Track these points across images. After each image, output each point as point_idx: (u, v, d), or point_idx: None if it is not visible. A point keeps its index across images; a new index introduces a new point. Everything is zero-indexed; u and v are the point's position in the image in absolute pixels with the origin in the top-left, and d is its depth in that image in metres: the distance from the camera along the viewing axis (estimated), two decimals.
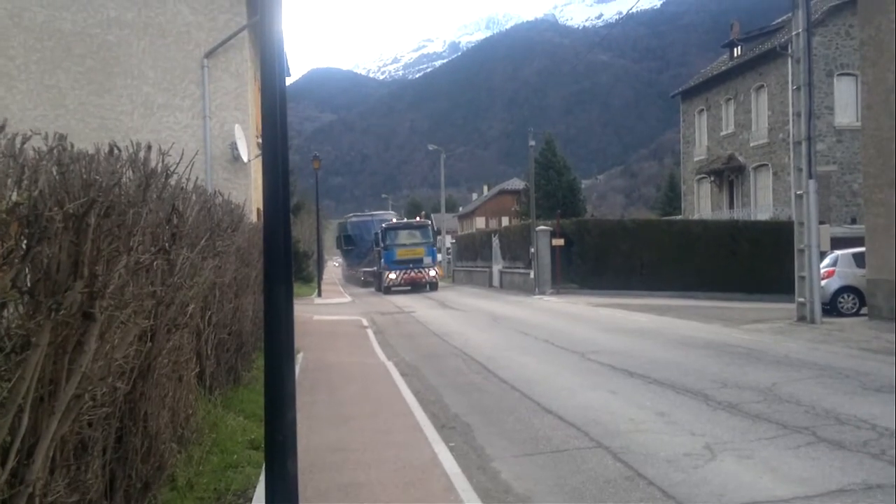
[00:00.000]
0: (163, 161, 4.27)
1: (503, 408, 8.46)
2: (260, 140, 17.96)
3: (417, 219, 44.70)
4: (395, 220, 42.14)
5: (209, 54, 15.80)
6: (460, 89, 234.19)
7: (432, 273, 35.72)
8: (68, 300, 2.92)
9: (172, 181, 4.59)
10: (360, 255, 48.40)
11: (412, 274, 35.06)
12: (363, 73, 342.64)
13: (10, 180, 2.64)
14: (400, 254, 35.11)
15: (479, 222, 78.35)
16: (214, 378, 7.59)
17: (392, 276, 35.06)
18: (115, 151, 3.77)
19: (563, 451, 6.58)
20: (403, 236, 36.23)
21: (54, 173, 2.97)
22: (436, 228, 40.92)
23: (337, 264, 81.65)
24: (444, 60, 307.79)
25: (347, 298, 32.13)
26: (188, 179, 5.14)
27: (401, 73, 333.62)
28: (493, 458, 6.46)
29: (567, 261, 29.94)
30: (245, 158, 15.75)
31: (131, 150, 3.97)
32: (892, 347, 11.94)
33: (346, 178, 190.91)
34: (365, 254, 46.47)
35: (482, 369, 11.28)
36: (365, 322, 19.39)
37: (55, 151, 3.10)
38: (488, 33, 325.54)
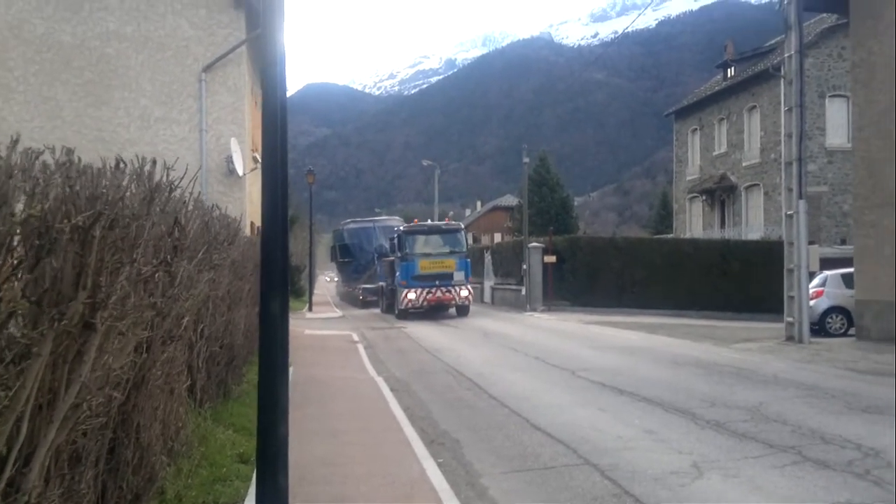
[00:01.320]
0: (167, 175, 4.35)
1: (492, 424, 8.51)
2: (255, 154, 17.94)
3: (447, 221, 35.31)
4: (416, 223, 31.91)
5: (207, 69, 15.94)
6: (456, 106, 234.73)
7: (464, 293, 27.23)
8: (71, 310, 2.99)
9: (175, 195, 4.67)
10: (359, 268, 39.62)
11: (438, 293, 26.68)
12: (359, 88, 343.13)
13: (23, 195, 2.72)
14: (423, 266, 26.75)
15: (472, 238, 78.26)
16: (205, 391, 7.62)
17: (411, 295, 26.47)
18: (122, 165, 3.85)
19: (551, 467, 6.64)
20: (428, 243, 27.63)
21: (62, 187, 3.05)
22: (468, 235, 32.14)
23: (329, 279, 77.37)
24: (440, 77, 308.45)
25: (338, 313, 32.05)
26: (190, 193, 5.22)
27: (396, 88, 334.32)
28: (482, 475, 6.51)
29: (559, 278, 30.03)
30: (240, 172, 15.84)
31: (136, 165, 4.05)
32: (880, 368, 12.05)
33: (339, 192, 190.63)
34: (365, 267, 38.20)
35: (472, 385, 11.33)
36: (355, 337, 19.41)
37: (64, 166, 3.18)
38: (484, 50, 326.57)
